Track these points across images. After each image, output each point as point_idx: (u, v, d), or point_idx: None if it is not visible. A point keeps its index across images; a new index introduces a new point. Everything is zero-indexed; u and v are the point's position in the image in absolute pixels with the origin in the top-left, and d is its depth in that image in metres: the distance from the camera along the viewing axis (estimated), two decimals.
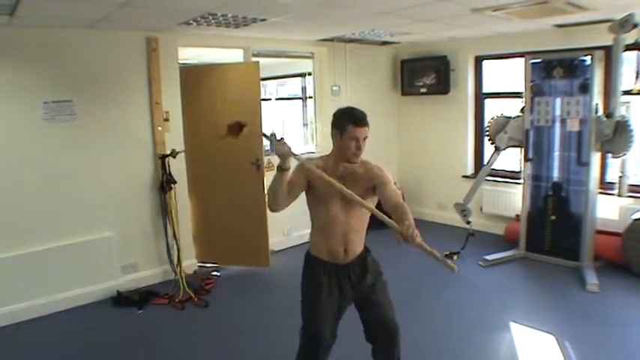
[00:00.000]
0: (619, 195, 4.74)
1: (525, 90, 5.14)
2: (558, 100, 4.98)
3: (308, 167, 2.48)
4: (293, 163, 2.51)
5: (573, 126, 4.88)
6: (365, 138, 2.49)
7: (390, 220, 2.34)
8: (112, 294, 4.58)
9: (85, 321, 4.22)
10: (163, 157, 4.81)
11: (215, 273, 5.23)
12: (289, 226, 5.86)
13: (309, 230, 2.71)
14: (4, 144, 4.11)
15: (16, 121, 4.15)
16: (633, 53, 4.64)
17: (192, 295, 4.56)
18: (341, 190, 2.39)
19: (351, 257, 2.60)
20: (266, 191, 2.51)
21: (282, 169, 2.43)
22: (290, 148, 2.44)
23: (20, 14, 3.53)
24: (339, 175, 2.51)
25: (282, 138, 2.45)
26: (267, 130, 2.75)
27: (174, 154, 4.80)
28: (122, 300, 4.51)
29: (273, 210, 2.55)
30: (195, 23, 4.30)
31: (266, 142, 5.56)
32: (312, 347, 2.60)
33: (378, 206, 2.53)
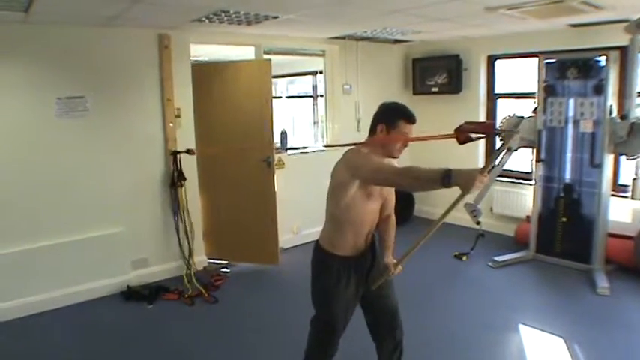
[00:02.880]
0: (632, 198, 4.67)
1: (538, 90, 5.09)
2: (572, 101, 4.92)
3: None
4: None
5: (586, 127, 4.83)
6: None
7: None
8: (122, 288, 4.62)
9: (95, 314, 4.26)
10: (175, 153, 4.84)
11: (224, 269, 5.26)
12: (299, 224, 5.87)
13: (318, 228, 2.70)
14: (17, 139, 4.16)
15: (30, 117, 4.19)
16: None
17: (202, 290, 4.59)
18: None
19: (367, 247, 2.62)
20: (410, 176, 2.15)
21: (448, 186, 1.98)
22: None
23: (35, 11, 3.56)
24: None
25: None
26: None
27: (190, 152, 4.83)
28: (132, 294, 4.54)
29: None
30: (207, 20, 4.31)
31: (277, 140, 5.59)
32: (327, 338, 2.64)
33: None
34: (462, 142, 2.27)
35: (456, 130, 2.25)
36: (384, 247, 2.70)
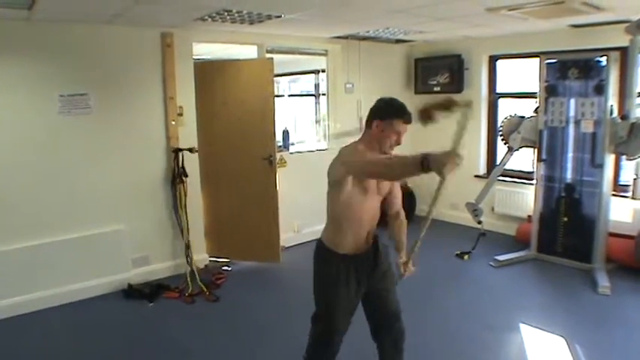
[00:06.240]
0: (633, 197, 4.70)
1: (540, 90, 5.10)
2: (573, 101, 4.93)
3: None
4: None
5: (587, 127, 4.83)
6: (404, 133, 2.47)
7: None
8: (123, 286, 4.62)
9: (96, 313, 4.27)
10: (176, 151, 4.85)
11: (226, 268, 5.26)
12: (300, 223, 5.88)
13: (319, 227, 2.71)
14: (20, 136, 4.16)
15: (32, 114, 4.20)
16: None
17: (203, 289, 4.59)
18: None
19: (368, 245, 2.61)
20: (384, 166, 2.23)
21: (427, 171, 1.99)
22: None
23: (38, 9, 3.57)
24: None
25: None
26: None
27: (192, 151, 4.87)
28: (133, 293, 4.55)
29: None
30: (210, 19, 4.32)
31: (279, 139, 5.60)
32: (327, 336, 2.62)
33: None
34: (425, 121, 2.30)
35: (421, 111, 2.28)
36: (397, 248, 2.71)
